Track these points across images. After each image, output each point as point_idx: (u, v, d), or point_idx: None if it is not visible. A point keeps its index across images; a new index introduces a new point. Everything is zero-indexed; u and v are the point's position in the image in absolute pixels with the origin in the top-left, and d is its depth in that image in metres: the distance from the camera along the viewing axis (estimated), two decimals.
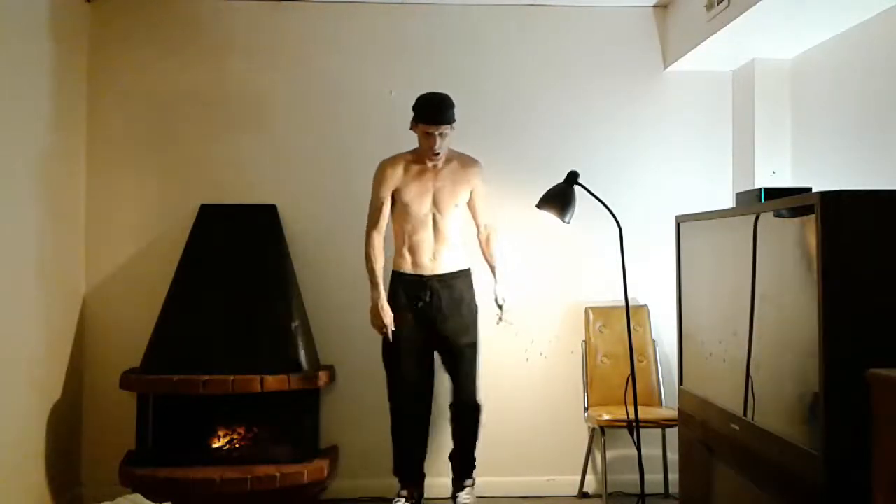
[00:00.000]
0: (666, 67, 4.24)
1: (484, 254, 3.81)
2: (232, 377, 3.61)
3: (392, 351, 3.67)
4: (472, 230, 3.82)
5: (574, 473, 4.12)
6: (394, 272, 3.71)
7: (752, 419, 2.68)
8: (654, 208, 4.12)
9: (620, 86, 4.24)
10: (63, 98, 3.85)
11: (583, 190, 3.40)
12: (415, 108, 3.55)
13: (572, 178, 3.42)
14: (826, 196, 2.24)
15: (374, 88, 4.17)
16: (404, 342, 3.64)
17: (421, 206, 3.59)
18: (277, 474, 3.58)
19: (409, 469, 3.76)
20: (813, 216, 2.26)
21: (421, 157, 3.61)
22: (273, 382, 3.63)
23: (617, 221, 3.35)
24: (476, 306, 3.74)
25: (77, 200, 4.04)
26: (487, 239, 3.78)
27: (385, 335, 3.62)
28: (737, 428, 2.76)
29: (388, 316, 3.59)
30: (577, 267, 4.19)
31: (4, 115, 3.31)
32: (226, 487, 3.52)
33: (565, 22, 4.22)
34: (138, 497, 2.62)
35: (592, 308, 4.13)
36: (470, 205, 3.73)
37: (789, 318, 2.51)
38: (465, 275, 3.71)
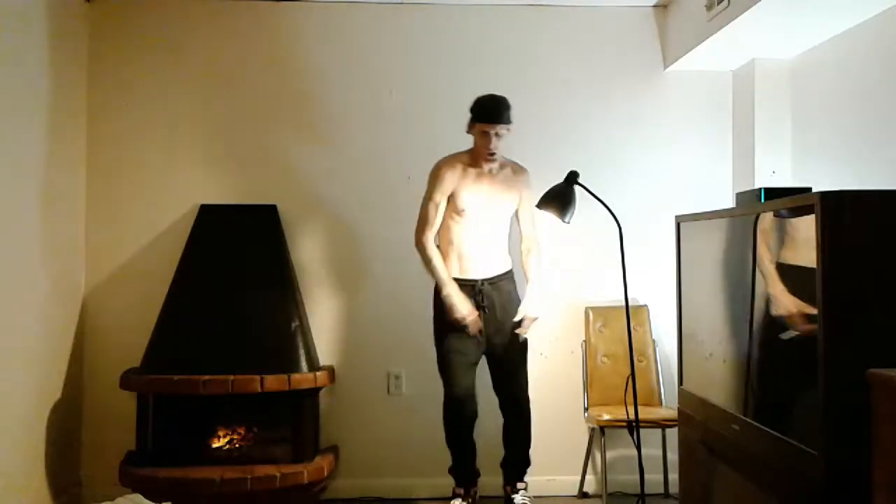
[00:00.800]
0: (666, 67, 4.24)
1: (522, 266, 3.76)
2: (232, 377, 3.61)
3: (449, 360, 3.59)
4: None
5: (574, 473, 4.12)
6: None
7: (752, 419, 2.68)
8: (654, 208, 4.13)
9: (620, 86, 4.24)
10: (63, 98, 3.85)
11: (583, 190, 3.40)
12: (472, 108, 3.54)
13: (572, 178, 3.42)
14: (826, 196, 2.24)
15: (375, 88, 4.17)
16: (461, 349, 3.58)
17: (475, 211, 3.57)
18: (277, 474, 3.58)
19: (467, 470, 3.72)
20: (813, 216, 2.26)
21: (476, 160, 3.59)
22: (273, 382, 3.63)
23: (617, 221, 3.35)
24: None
25: (77, 200, 4.04)
26: (528, 251, 3.73)
27: (468, 329, 3.51)
28: (737, 428, 2.76)
29: (464, 305, 3.50)
30: (577, 267, 4.19)
31: (4, 115, 3.31)
32: (226, 487, 3.52)
33: (565, 22, 4.22)
34: (138, 497, 2.62)
35: (592, 308, 4.13)
36: (517, 213, 3.71)
37: (789, 318, 2.51)
38: (510, 276, 3.69)
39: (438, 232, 3.65)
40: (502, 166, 3.64)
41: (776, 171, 3.93)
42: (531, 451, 3.74)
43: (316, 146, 4.16)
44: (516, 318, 3.59)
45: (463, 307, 3.51)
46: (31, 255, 3.54)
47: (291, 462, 3.68)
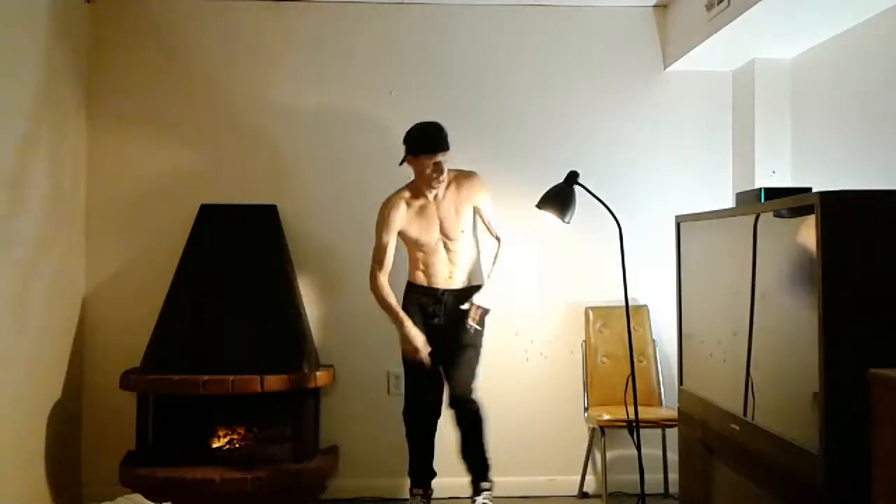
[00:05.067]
0: (666, 67, 4.24)
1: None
2: (232, 377, 3.61)
3: (411, 366, 3.63)
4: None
5: (574, 473, 4.12)
6: (408, 283, 3.69)
7: (752, 419, 2.68)
8: (654, 208, 4.12)
9: (620, 86, 4.24)
10: (63, 97, 3.85)
11: (583, 190, 3.41)
12: (410, 141, 3.49)
13: (572, 178, 3.42)
14: (826, 196, 2.24)
15: (374, 88, 4.17)
16: (422, 373, 3.60)
17: (430, 237, 3.59)
18: (277, 474, 3.58)
19: (424, 471, 3.74)
20: (813, 216, 2.26)
21: (420, 191, 3.57)
22: (273, 382, 3.63)
23: (617, 221, 3.35)
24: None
25: (77, 200, 4.04)
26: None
27: (420, 360, 3.56)
28: (737, 428, 2.76)
29: (419, 339, 3.56)
30: (577, 267, 4.19)
31: (3, 115, 3.31)
32: (226, 487, 3.52)
33: (565, 22, 4.22)
34: (138, 497, 2.61)
35: (592, 308, 4.13)
36: (479, 217, 3.70)
37: (789, 318, 2.51)
38: (475, 290, 3.64)
39: (408, 251, 3.67)
40: (447, 185, 3.59)
41: (776, 171, 3.93)
42: (487, 453, 3.70)
43: (316, 146, 4.17)
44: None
45: (418, 339, 3.55)
46: (31, 256, 3.54)
47: (291, 462, 3.68)
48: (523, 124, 4.20)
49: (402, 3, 4.17)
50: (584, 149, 4.17)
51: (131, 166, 4.11)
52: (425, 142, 3.46)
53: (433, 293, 3.63)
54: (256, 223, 4.02)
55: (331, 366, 4.03)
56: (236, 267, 3.90)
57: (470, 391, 3.65)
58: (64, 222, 3.89)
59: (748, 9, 3.22)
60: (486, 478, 3.69)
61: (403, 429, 3.72)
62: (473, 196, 3.63)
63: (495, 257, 3.69)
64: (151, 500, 2.57)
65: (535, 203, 3.51)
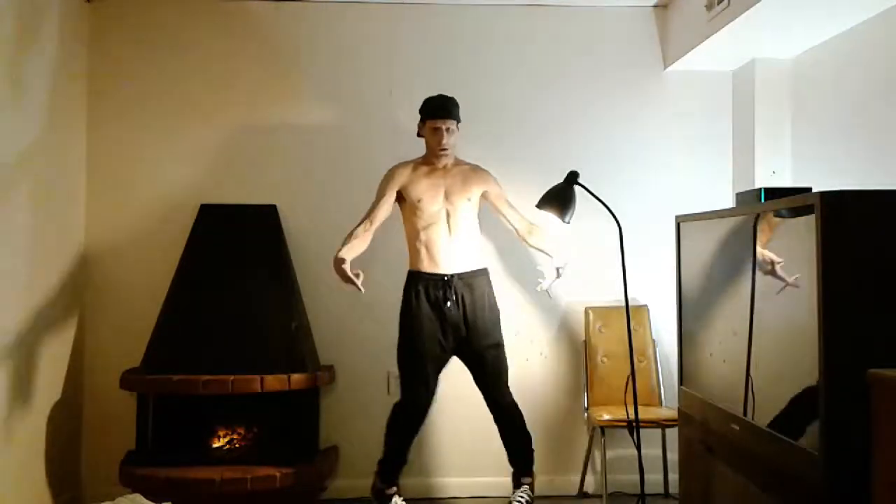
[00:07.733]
0: (666, 67, 4.24)
1: (533, 245, 3.75)
2: (232, 377, 3.61)
3: (410, 354, 3.62)
4: (488, 231, 3.83)
5: (574, 473, 4.12)
6: (411, 272, 3.66)
7: (752, 419, 2.68)
8: (654, 208, 4.13)
9: (620, 86, 4.24)
10: (63, 98, 3.85)
11: (583, 190, 3.41)
12: (421, 109, 3.64)
13: (572, 178, 3.42)
14: (826, 196, 2.24)
15: (374, 88, 4.18)
16: (426, 345, 3.58)
17: (432, 201, 3.60)
18: (277, 474, 3.58)
19: (400, 469, 3.77)
20: (813, 216, 2.26)
21: (429, 160, 3.66)
22: (273, 382, 3.63)
23: (617, 221, 3.35)
24: (497, 307, 3.72)
25: (77, 200, 4.04)
26: (529, 232, 3.73)
27: (351, 282, 3.48)
28: (737, 428, 2.76)
29: (338, 262, 3.48)
30: (577, 267, 4.18)
31: (3, 115, 3.31)
32: (226, 487, 3.52)
33: (565, 22, 4.22)
34: (138, 497, 2.62)
35: (592, 308, 4.13)
36: (498, 211, 3.74)
37: (789, 318, 2.51)
38: (483, 273, 3.70)
39: (406, 231, 3.68)
40: (458, 164, 3.70)
41: (776, 171, 3.93)
42: (533, 446, 3.76)
43: (316, 146, 4.17)
44: (556, 264, 3.66)
45: (338, 262, 3.47)
46: (31, 256, 3.55)
47: (291, 462, 3.68)
48: (523, 124, 4.20)
49: (402, 3, 4.17)
50: (584, 149, 4.17)
51: (131, 166, 4.11)
52: (433, 108, 3.60)
53: (441, 280, 3.59)
54: (256, 223, 4.02)
55: (331, 366, 4.03)
56: (236, 267, 3.90)
57: (504, 394, 3.69)
58: (64, 222, 3.89)
59: (748, 9, 3.21)
60: (528, 473, 3.73)
61: None
62: (484, 180, 3.71)
63: (540, 233, 3.72)
64: (151, 500, 2.57)
65: (535, 203, 3.52)
